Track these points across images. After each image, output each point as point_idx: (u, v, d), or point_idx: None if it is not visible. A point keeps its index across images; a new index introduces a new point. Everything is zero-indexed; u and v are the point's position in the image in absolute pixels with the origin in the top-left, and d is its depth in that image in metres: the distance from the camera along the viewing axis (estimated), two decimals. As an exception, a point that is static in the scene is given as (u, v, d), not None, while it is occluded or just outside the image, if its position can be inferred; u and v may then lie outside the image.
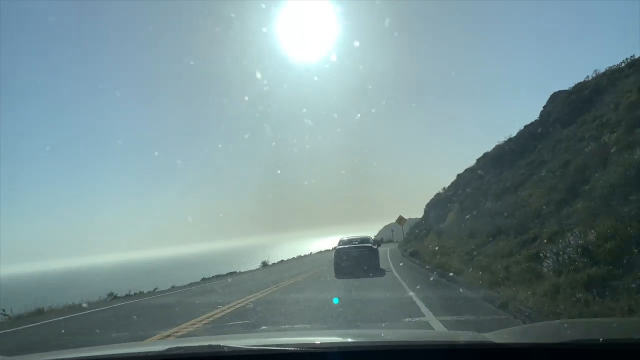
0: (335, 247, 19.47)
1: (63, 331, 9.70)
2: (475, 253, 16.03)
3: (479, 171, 34.22)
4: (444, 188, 48.91)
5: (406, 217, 51.18)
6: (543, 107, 35.52)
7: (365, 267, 17.46)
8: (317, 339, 2.49)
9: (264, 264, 35.37)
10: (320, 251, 60.45)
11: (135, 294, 18.23)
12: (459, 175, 46.54)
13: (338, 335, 3.13)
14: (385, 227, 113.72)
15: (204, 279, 25.19)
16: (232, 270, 30.26)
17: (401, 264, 22.33)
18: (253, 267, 39.38)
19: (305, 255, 49.79)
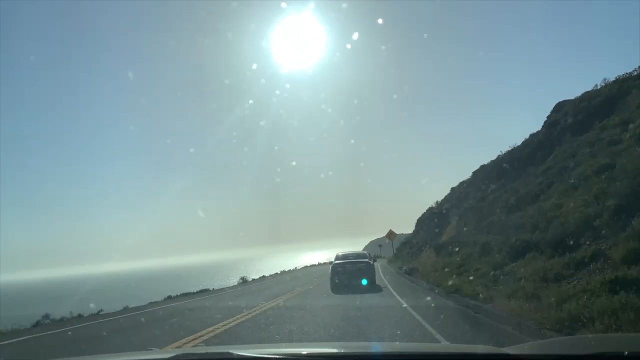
0: (331, 262, 19.49)
1: None
2: (498, 273, 12.98)
3: (485, 184, 31.42)
4: (437, 202, 46.18)
5: (395, 232, 48.11)
6: (547, 117, 33.18)
7: (363, 283, 17.36)
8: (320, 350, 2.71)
9: (243, 280, 31.94)
10: (306, 266, 56.87)
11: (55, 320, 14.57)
12: (453, 189, 43.89)
13: (339, 347, 3.01)
14: (372, 242, 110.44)
15: (168, 298, 21.79)
16: (205, 288, 26.75)
17: (400, 284, 19.18)
18: (231, 283, 35.91)
19: (290, 271, 46.30)
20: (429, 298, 13.11)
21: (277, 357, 2.23)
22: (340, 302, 13.42)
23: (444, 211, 39.14)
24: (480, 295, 10.56)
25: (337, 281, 17.45)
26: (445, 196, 44.41)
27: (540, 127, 32.80)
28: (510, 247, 14.06)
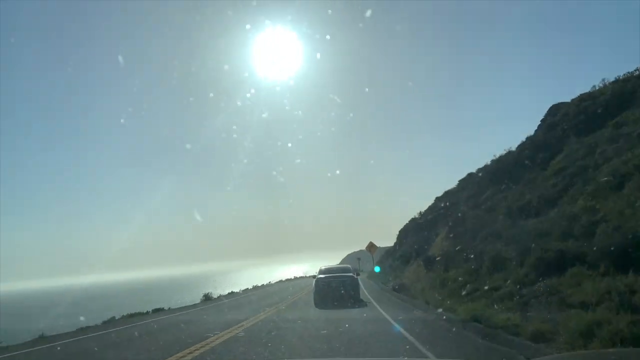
0: (307, 276, 22.52)
1: None
2: (527, 293, 9.83)
3: (477, 191, 28.58)
4: (420, 213, 43.28)
5: (376, 244, 44.88)
6: (542, 120, 30.79)
7: (346, 297, 17.04)
8: None
9: (206, 297, 28.13)
10: (281, 280, 53.02)
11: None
12: (438, 199, 41.07)
13: None
14: (349, 255, 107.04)
15: (128, 316, 18.29)
16: (160, 307, 22.91)
17: (392, 305, 15.90)
18: (196, 299, 32.08)
19: (263, 286, 42.50)
20: (440, 327, 9.80)
21: None
22: (324, 326, 10.04)
23: (430, 221, 36.21)
24: (518, 327, 7.33)
25: (322, 294, 17.32)
26: (429, 206, 41.56)
27: (534, 130, 30.41)
28: (537, 259, 10.97)
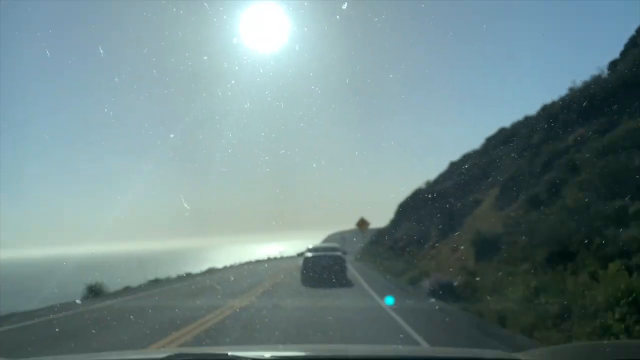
0: (303, 254, 19.77)
1: None
2: None
3: (522, 146, 19.90)
4: (427, 182, 34.68)
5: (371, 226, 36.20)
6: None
7: (333, 277, 16.66)
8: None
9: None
10: (250, 262, 43.87)
11: None
12: (453, 164, 32.47)
13: (346, 350, 2.65)
14: (331, 236, 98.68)
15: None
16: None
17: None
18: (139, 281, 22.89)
19: (225, 268, 33.49)
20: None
21: (275, 358, 2.16)
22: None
23: (445, 191, 27.60)
24: None
25: (309, 273, 17.29)
26: (442, 173, 32.97)
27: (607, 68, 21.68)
28: None
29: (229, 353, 2.06)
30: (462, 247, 14.79)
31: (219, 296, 13.81)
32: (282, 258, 52.38)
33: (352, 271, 21.59)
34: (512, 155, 19.01)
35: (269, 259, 48.50)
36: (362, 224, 35.03)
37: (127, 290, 17.88)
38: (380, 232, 42.65)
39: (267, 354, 2.16)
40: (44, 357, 2.71)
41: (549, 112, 18.55)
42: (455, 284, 10.46)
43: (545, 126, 17.54)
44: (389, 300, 13.51)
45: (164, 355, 2.09)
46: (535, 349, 2.31)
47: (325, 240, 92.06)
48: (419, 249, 21.33)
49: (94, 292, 15.78)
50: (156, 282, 21.66)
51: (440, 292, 10.43)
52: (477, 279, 10.87)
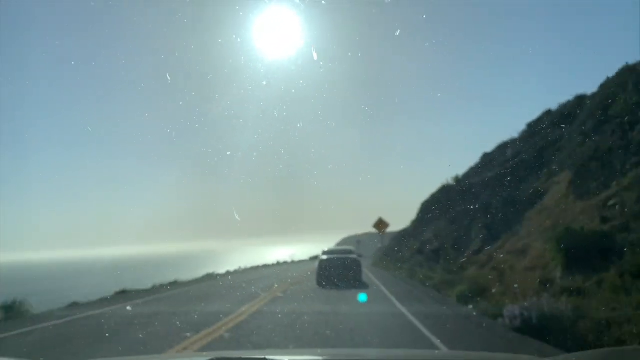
0: (318, 258, 19.86)
1: None
2: None
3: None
4: (456, 177, 30.29)
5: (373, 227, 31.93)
6: None
7: (348, 279, 16.97)
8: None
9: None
10: (257, 267, 39.66)
11: None
12: (486, 155, 28.08)
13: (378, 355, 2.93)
14: (345, 239, 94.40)
15: None
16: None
17: None
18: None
19: (224, 274, 29.50)
20: None
21: None
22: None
23: (480, 185, 23.31)
24: None
25: (325, 275, 17.42)
26: (474, 167, 28.59)
27: None
28: None
29: (267, 357, 2.17)
30: (534, 251, 10.52)
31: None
32: (292, 262, 48.27)
33: (374, 281, 17.56)
34: (583, 133, 14.66)
35: (278, 264, 44.28)
36: (381, 225, 30.92)
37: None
38: (402, 234, 38.22)
39: (303, 358, 2.40)
40: None
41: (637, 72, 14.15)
42: (558, 312, 6.25)
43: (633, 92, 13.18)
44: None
45: (205, 359, 2.30)
46: (558, 356, 2.44)
47: (340, 244, 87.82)
48: (457, 254, 17.05)
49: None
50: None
51: (535, 322, 6.25)
52: (588, 303, 6.65)
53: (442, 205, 28.87)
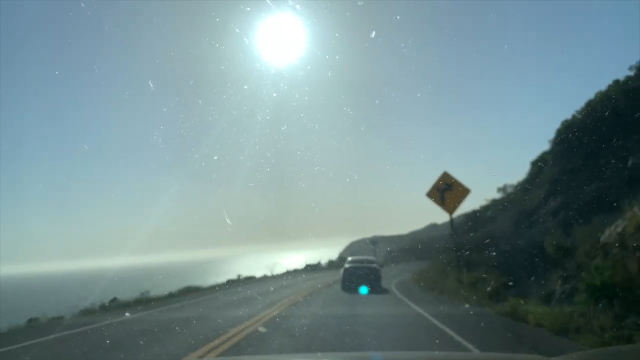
0: (343, 266, 22.05)
1: None
2: None
3: None
4: (518, 184, 27.00)
5: (385, 233, 31.59)
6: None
7: (369, 285, 18.93)
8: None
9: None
10: (253, 277, 33.81)
11: None
12: (533, 164, 24.86)
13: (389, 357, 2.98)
14: (353, 243, 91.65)
15: None
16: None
17: None
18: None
19: (216, 288, 26.17)
20: None
21: None
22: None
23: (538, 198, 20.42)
24: None
25: (349, 282, 19.60)
26: (526, 178, 25.42)
27: None
28: None
29: None
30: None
31: None
32: (304, 270, 44.55)
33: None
34: None
35: (288, 272, 40.43)
36: (447, 178, 16.26)
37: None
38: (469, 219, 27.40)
39: None
40: None
41: None
42: None
43: None
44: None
45: None
46: (572, 353, 2.32)
47: (347, 248, 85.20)
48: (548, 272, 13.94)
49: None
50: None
51: None
52: None
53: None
